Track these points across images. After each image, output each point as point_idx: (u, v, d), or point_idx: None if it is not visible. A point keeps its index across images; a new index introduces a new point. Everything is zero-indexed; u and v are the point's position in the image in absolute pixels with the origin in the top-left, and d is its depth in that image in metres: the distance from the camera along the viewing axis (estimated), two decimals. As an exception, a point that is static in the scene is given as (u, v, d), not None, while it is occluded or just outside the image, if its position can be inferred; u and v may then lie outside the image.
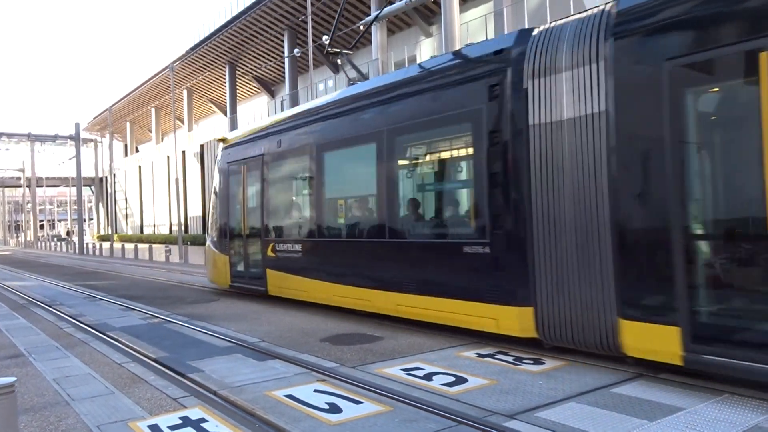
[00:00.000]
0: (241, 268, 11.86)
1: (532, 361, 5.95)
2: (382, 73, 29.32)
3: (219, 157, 13.05)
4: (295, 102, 35.98)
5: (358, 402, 4.86)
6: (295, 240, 10.14)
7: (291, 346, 7.14)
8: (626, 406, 4.56)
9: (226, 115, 46.81)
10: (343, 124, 9.15)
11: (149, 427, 4.45)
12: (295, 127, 10.42)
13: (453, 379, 5.44)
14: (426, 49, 29.69)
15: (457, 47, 12.29)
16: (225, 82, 45.64)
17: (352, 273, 8.71)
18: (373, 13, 25.39)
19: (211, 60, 44.33)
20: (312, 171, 9.77)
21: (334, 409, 4.71)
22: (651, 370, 5.30)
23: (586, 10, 6.18)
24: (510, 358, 6.11)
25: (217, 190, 12.92)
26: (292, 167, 10.63)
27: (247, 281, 11.57)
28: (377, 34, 30.37)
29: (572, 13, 19.51)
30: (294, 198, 10.87)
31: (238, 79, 45.59)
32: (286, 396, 5.07)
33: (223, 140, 13.10)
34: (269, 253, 10.69)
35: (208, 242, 13.54)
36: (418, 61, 29.55)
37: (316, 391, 5.21)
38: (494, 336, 6.66)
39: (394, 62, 30.36)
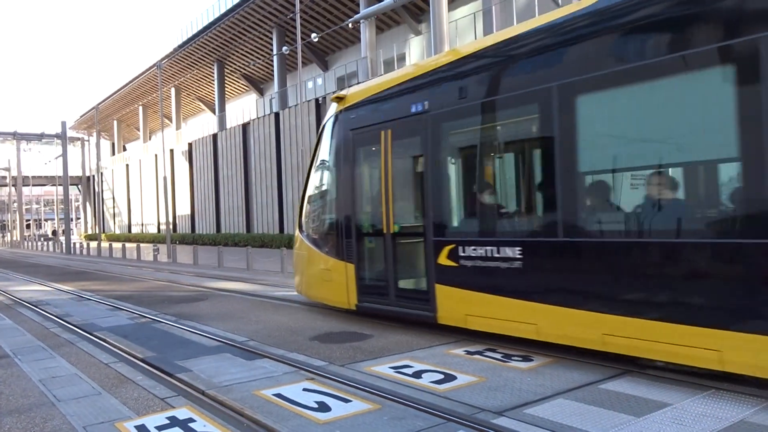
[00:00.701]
0: (378, 281, 8.03)
1: (520, 358, 5.97)
2: (372, 73, 29.36)
3: (331, 124, 9.07)
4: (284, 100, 35.95)
5: (347, 400, 4.85)
6: (507, 240, 6.35)
7: (280, 344, 7.12)
8: (614, 402, 4.59)
9: (214, 113, 46.62)
10: (632, 43, 5.34)
11: (136, 427, 4.41)
12: (498, 62, 6.70)
13: (442, 376, 5.45)
14: (415, 48, 29.70)
15: (446, 46, 12.32)
16: (213, 80, 45.46)
17: (661, 298, 5.05)
18: (362, 10, 25.41)
19: (199, 58, 44.11)
20: (549, 128, 5.94)
21: (322, 407, 4.70)
22: (638, 366, 5.34)
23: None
24: (499, 355, 6.13)
25: (331, 168, 9.01)
26: (498, 126, 6.90)
27: (394, 302, 7.73)
28: (366, 32, 30.39)
29: (560, 11, 19.68)
30: (501, 174, 7.15)
31: (226, 77, 45.44)
32: (274, 395, 5.04)
33: (341, 99, 8.94)
34: (442, 260, 6.95)
35: (302, 241, 9.69)
36: (408, 60, 29.63)
37: (304, 389, 5.19)
38: (483, 333, 6.67)
39: (383, 60, 30.34)
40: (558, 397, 4.76)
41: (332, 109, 9.16)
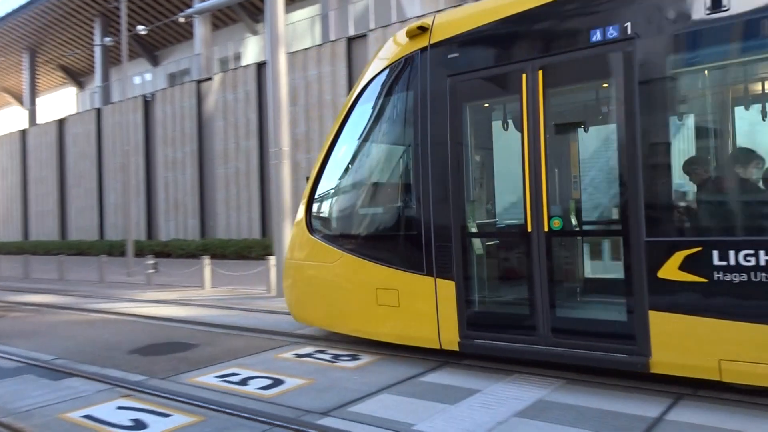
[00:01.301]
0: (508, 307, 5.67)
1: (349, 358, 6.09)
2: (206, 71, 28.18)
3: (397, 70, 6.06)
4: (107, 96, 33.17)
5: (166, 415, 4.58)
6: None
7: (93, 361, 6.51)
8: (432, 392, 4.87)
9: (23, 105, 41.62)
10: None
11: None
12: None
13: (270, 381, 5.37)
14: (252, 47, 29.13)
15: (283, 48, 12.21)
16: (23, 70, 40.59)
17: None
18: (195, 5, 24.30)
19: (5, 44, 39.16)
20: None
21: (138, 425, 4.39)
22: (456, 357, 5.72)
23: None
24: (328, 356, 6.19)
25: (403, 135, 6.12)
26: None
27: (549, 339, 4.97)
28: (200, 28, 29.15)
29: (394, 20, 20.57)
30: None
31: (39, 68, 40.88)
32: (83, 417, 4.60)
33: (423, 30, 5.79)
34: (669, 273, 4.40)
35: (321, 247, 6.60)
36: (244, 60, 28.88)
37: (119, 408, 4.80)
38: (313, 336, 6.70)
39: (218, 58, 29.35)
40: (382, 393, 4.93)
41: (397, 48, 6.11)
